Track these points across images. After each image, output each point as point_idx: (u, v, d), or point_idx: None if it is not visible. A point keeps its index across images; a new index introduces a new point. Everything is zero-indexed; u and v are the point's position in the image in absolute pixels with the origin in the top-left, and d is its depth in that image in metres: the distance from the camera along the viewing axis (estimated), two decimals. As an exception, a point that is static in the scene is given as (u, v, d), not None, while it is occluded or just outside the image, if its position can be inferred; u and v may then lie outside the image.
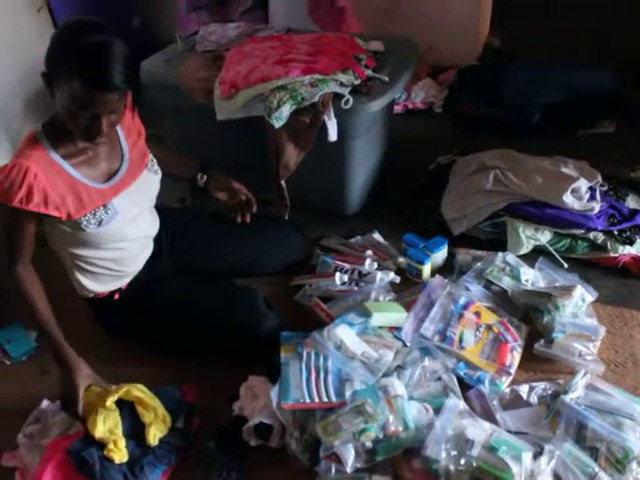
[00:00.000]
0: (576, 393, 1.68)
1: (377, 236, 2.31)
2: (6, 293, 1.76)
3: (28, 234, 1.64)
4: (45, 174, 1.56)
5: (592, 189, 2.27)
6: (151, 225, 1.93)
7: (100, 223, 1.67)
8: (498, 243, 2.25)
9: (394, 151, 2.71)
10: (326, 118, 2.08)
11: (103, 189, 1.69)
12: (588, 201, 2.21)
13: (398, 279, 2.10)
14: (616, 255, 2.16)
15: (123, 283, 1.87)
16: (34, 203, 1.55)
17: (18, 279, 1.66)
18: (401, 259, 2.18)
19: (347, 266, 2.12)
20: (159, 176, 1.89)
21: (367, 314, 1.83)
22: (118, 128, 1.73)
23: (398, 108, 3.09)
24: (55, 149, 1.60)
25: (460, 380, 1.76)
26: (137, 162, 1.81)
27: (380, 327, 1.85)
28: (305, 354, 1.74)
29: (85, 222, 1.65)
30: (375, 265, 2.14)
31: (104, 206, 1.68)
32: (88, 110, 1.48)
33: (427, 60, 3.31)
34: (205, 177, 2.03)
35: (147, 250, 1.94)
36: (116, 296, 1.87)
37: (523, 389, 1.74)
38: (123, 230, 1.75)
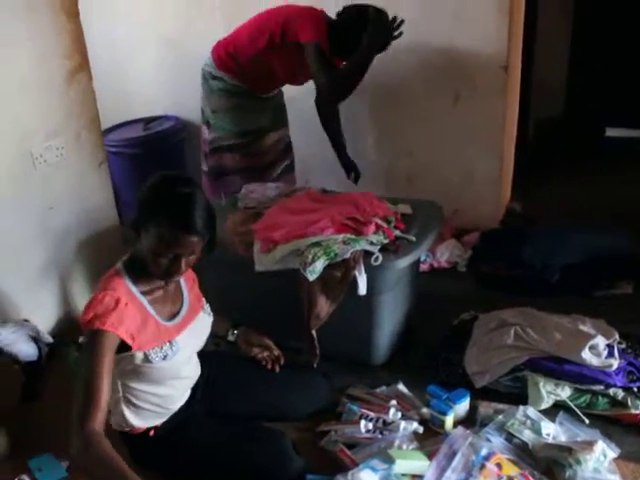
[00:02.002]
0: None
1: (401, 387, 2.39)
2: (40, 423, 1.85)
3: (107, 374, 1.65)
4: (130, 305, 1.74)
5: (610, 346, 2.36)
6: (197, 366, 2.07)
7: (165, 357, 1.83)
8: (519, 397, 2.30)
9: (420, 306, 2.85)
10: (357, 273, 2.25)
11: (169, 326, 1.87)
12: (606, 358, 2.29)
13: (421, 429, 2.17)
14: (637, 412, 2.19)
15: (161, 420, 1.97)
16: (123, 329, 1.70)
17: (93, 438, 1.55)
18: (424, 410, 2.25)
19: (372, 414, 2.20)
20: (212, 319, 2.07)
21: (390, 461, 1.89)
22: None
23: (424, 267, 3.25)
24: (135, 284, 1.81)
25: (482, 532, 1.78)
26: (195, 304, 2.01)
27: (403, 474, 1.90)
28: (330, 498, 1.79)
29: (153, 354, 1.80)
30: (399, 414, 2.21)
31: (170, 342, 1.86)
32: (172, 250, 1.71)
33: (451, 223, 3.51)
34: (236, 332, 2.23)
35: (189, 391, 2.05)
36: (151, 432, 1.96)
37: (545, 543, 1.76)
38: (180, 368, 1.90)
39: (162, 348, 1.83)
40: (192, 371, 2.04)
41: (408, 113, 3.57)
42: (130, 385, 1.86)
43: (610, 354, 2.32)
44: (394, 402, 2.28)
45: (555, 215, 3.71)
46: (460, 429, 2.09)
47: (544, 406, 2.26)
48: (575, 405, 2.25)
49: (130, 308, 1.75)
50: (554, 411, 2.24)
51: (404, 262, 2.31)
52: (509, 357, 2.36)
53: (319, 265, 2.21)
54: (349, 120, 3.44)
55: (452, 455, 1.98)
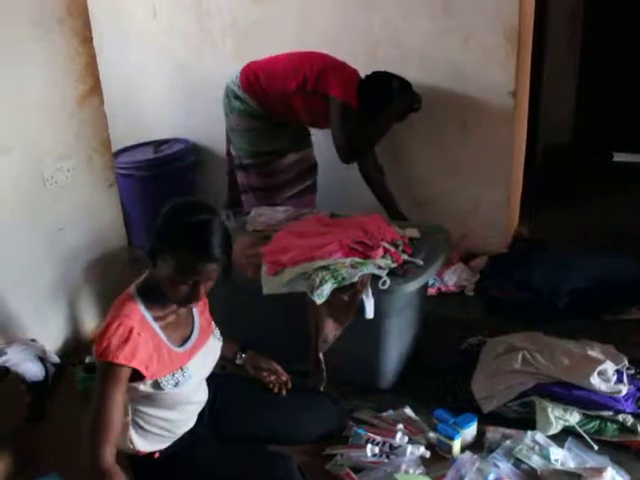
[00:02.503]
0: None
1: (408, 411, 2.38)
2: (46, 443, 1.85)
3: (120, 406, 1.67)
4: (143, 333, 1.73)
5: (619, 372, 2.34)
6: (205, 390, 2.06)
7: (177, 384, 1.81)
8: (527, 422, 2.29)
9: (427, 330, 2.84)
10: (364, 297, 2.25)
11: (180, 353, 1.87)
12: (615, 383, 2.28)
13: (428, 453, 2.16)
14: (647, 439, 2.19)
15: (167, 444, 1.96)
16: (136, 361, 1.68)
17: (109, 475, 1.59)
18: (431, 434, 2.24)
19: (379, 438, 2.19)
20: (221, 344, 2.07)
21: (397, 486, 1.88)
22: None
23: (432, 291, 3.25)
24: (149, 310, 1.79)
25: None
26: (205, 329, 2.00)
27: (410, 499, 1.89)
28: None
29: (164, 382, 1.78)
30: (406, 439, 2.20)
31: (181, 368, 1.84)
32: (191, 277, 1.71)
33: (460, 247, 3.52)
34: (244, 356, 2.23)
35: (196, 415, 2.04)
36: (156, 455, 1.95)
37: None
38: (191, 393, 1.90)
39: (174, 375, 1.81)
40: (201, 395, 2.03)
41: (418, 139, 3.59)
42: (140, 409, 1.84)
43: (619, 380, 2.30)
44: (401, 426, 2.27)
45: (563, 240, 3.70)
46: (468, 454, 2.08)
47: (552, 432, 2.24)
48: (584, 431, 2.23)
49: (143, 337, 1.73)
50: (563, 437, 2.22)
51: (412, 286, 2.31)
52: (517, 382, 2.35)
53: (327, 289, 2.22)
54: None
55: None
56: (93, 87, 2.85)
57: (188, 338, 1.92)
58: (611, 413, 2.23)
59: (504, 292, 3.11)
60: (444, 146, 3.54)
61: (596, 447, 2.18)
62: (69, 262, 2.88)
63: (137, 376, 1.74)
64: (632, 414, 2.22)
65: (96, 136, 2.91)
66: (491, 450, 2.17)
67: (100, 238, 3.01)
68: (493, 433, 2.25)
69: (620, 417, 2.22)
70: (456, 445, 2.16)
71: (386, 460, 2.11)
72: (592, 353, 2.39)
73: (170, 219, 1.75)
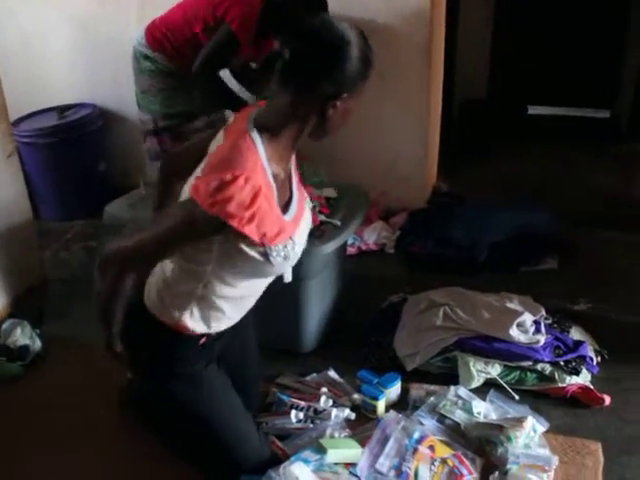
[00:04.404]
0: (531, 527, 1.70)
1: (332, 373, 2.35)
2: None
3: (173, 253, 1.51)
4: (268, 194, 1.45)
5: (537, 322, 2.38)
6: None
7: (286, 257, 1.51)
8: (450, 377, 2.30)
9: (349, 290, 2.81)
10: (281, 260, 2.18)
11: (288, 220, 1.56)
12: (533, 334, 2.32)
13: (353, 415, 2.14)
14: (564, 385, 2.23)
15: (216, 329, 1.68)
16: (251, 227, 1.40)
17: None
18: (356, 396, 2.22)
19: (303, 404, 2.15)
20: (310, 213, 1.75)
21: (322, 451, 1.84)
22: None
23: (352, 250, 3.22)
24: (270, 164, 1.46)
25: (416, 518, 1.76)
26: (302, 192, 1.70)
27: (336, 464, 1.85)
28: (263, 496, 1.74)
29: (275, 253, 1.48)
30: (330, 402, 2.18)
31: (291, 239, 1.53)
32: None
33: (379, 204, 3.49)
34: None
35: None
36: (203, 340, 1.68)
37: (479, 524, 1.75)
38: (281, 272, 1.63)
39: (285, 246, 1.50)
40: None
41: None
42: (224, 277, 1.54)
43: (537, 330, 2.34)
44: (325, 389, 2.24)
45: (481, 193, 3.73)
46: (392, 413, 2.07)
47: (475, 385, 2.26)
48: (505, 382, 2.27)
49: (267, 199, 1.43)
50: (485, 389, 2.25)
51: (329, 247, 2.26)
52: (439, 338, 2.36)
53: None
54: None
55: (385, 440, 1.96)
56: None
57: (289, 203, 1.60)
58: (530, 363, 2.26)
59: (425, 247, 3.11)
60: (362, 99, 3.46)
61: (517, 397, 2.22)
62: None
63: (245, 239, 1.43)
64: (550, 363, 2.26)
65: (-10, 102, 2.71)
66: (416, 407, 2.17)
67: (2, 211, 2.83)
68: (417, 390, 2.25)
69: (539, 367, 2.26)
70: (380, 405, 2.15)
71: (311, 425, 2.08)
72: (511, 305, 2.42)
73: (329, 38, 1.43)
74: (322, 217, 2.35)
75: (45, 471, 2.07)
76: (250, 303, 1.74)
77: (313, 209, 2.34)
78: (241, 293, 1.64)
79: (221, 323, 1.67)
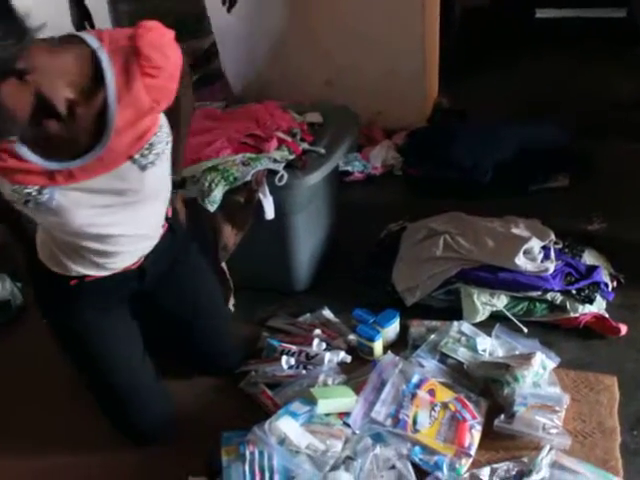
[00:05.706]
0: (541, 474, 1.57)
1: (327, 313, 2.20)
2: None
3: None
4: None
5: (546, 248, 2.19)
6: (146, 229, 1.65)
7: (37, 204, 1.41)
8: (454, 311, 2.14)
9: (349, 221, 2.63)
10: (261, 196, 2.00)
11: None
12: (542, 261, 2.13)
13: (349, 358, 2.00)
14: (576, 315, 2.05)
15: (80, 272, 1.62)
16: None
17: None
18: (351, 336, 2.07)
19: (294, 348, 2.00)
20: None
21: (312, 402, 1.71)
22: None
23: (360, 176, 3.03)
24: None
25: (416, 467, 1.63)
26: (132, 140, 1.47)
27: (328, 414, 1.72)
28: (248, 454, 1.62)
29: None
30: (324, 345, 2.04)
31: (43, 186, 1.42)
32: None
33: (376, 125, 3.27)
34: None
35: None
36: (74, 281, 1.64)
37: (484, 472, 1.61)
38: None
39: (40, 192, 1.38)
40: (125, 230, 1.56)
41: (324, 10, 3.24)
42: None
43: (546, 256, 2.16)
44: (318, 331, 2.09)
45: (486, 108, 3.46)
46: (389, 356, 1.92)
47: (479, 319, 2.10)
48: (512, 314, 2.11)
49: None
50: (491, 324, 2.08)
51: (313, 178, 2.06)
52: (439, 270, 2.18)
53: (218, 193, 1.96)
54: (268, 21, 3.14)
55: (381, 386, 1.82)
56: None
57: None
58: (539, 293, 2.09)
59: (423, 170, 2.90)
60: (352, 15, 3.19)
61: (525, 330, 2.07)
62: None
63: None
64: (560, 291, 2.09)
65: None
66: (416, 347, 2.01)
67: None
68: (417, 327, 2.09)
69: (549, 296, 2.09)
70: (377, 347, 1.99)
71: (303, 371, 1.94)
72: (516, 231, 2.22)
73: None
74: (305, 145, 2.14)
75: (27, 423, 1.98)
76: (120, 247, 1.58)
77: (294, 137, 2.14)
78: (73, 240, 1.53)
79: (82, 267, 1.60)
